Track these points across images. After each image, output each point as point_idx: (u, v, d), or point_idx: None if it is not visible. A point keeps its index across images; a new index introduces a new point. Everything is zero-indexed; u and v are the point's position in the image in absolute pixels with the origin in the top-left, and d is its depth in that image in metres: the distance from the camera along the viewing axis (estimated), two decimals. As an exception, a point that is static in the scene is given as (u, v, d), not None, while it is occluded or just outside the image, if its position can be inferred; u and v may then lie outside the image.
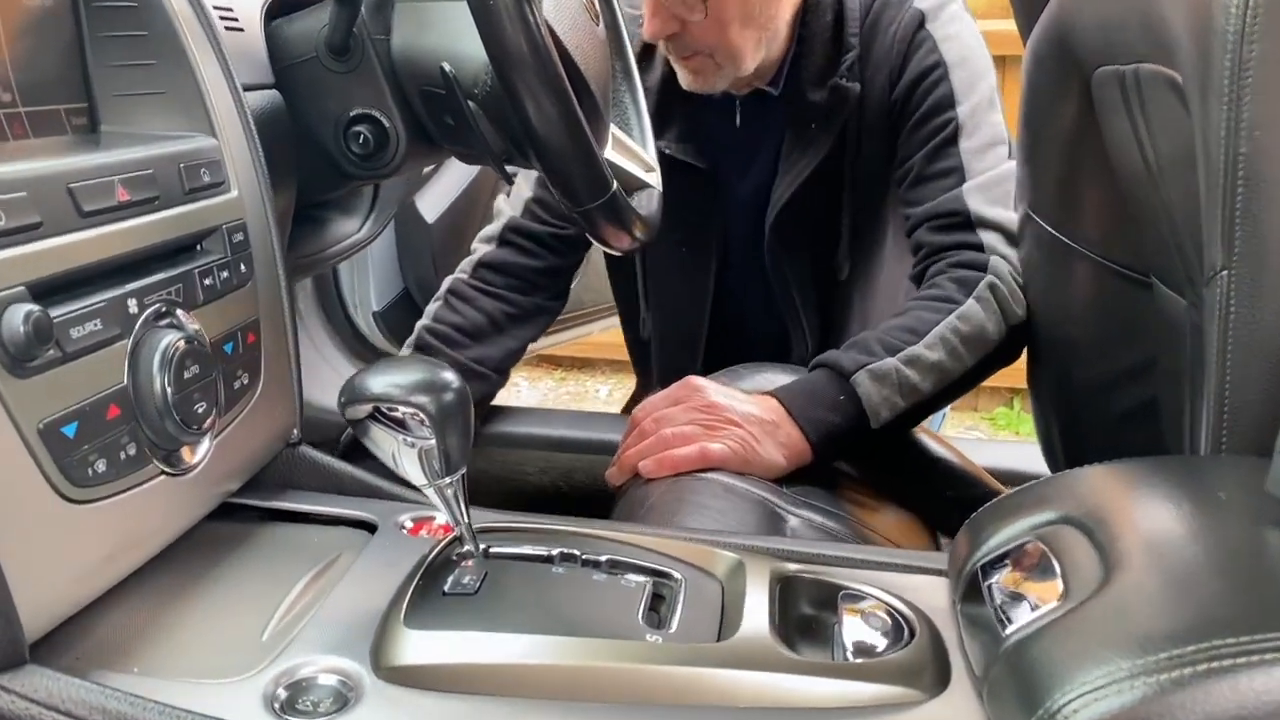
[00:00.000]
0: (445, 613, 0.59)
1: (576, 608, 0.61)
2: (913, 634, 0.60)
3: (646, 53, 1.36)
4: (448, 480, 0.61)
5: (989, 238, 1.18)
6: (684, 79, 1.29)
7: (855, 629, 0.60)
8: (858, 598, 0.64)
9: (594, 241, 0.87)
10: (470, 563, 0.64)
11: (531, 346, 1.42)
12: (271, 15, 0.88)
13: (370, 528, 0.74)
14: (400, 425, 0.59)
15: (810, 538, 0.95)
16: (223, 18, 0.80)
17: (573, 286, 1.45)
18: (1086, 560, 0.56)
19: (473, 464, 1.34)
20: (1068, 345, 1.16)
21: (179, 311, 0.62)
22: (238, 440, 0.69)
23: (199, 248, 0.66)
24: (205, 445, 0.64)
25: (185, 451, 0.62)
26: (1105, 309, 1.06)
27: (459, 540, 0.65)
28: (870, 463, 1.18)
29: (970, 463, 1.25)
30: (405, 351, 1.32)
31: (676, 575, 0.65)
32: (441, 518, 0.74)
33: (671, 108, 1.35)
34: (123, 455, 0.57)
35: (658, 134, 1.18)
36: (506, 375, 1.36)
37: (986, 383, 1.22)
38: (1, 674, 0.50)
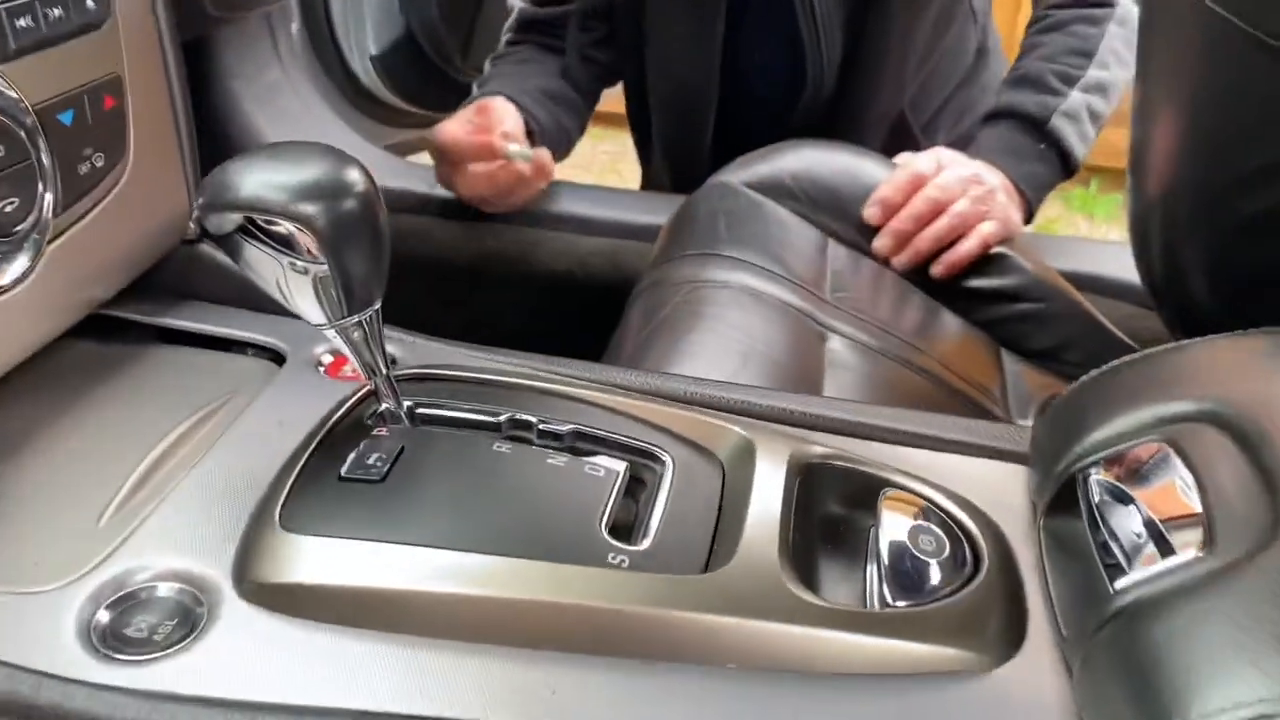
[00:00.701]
0: (338, 507, 0.44)
1: (516, 508, 0.45)
2: (978, 563, 0.44)
3: None
4: (353, 319, 0.45)
5: None
6: None
7: (899, 554, 0.44)
8: (906, 503, 0.47)
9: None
10: (385, 431, 0.48)
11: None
12: None
13: (278, 358, 0.58)
14: (284, 243, 0.42)
15: (851, 367, 0.78)
16: None
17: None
18: (1243, 488, 0.39)
19: (479, 241, 1.17)
20: (1188, 130, 0.95)
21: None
22: (98, 236, 0.52)
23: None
24: (21, 260, 0.46)
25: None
26: (1245, 92, 0.85)
27: (376, 395, 0.49)
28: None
29: (1046, 268, 1.06)
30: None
31: (663, 458, 0.48)
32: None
33: None
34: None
35: None
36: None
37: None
38: None
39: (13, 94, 0.45)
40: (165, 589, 0.41)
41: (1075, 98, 1.05)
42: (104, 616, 0.40)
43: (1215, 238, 0.96)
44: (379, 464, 0.45)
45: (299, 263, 0.42)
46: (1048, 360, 1.00)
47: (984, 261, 1.01)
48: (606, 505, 0.45)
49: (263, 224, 0.42)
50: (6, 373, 0.49)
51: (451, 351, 0.58)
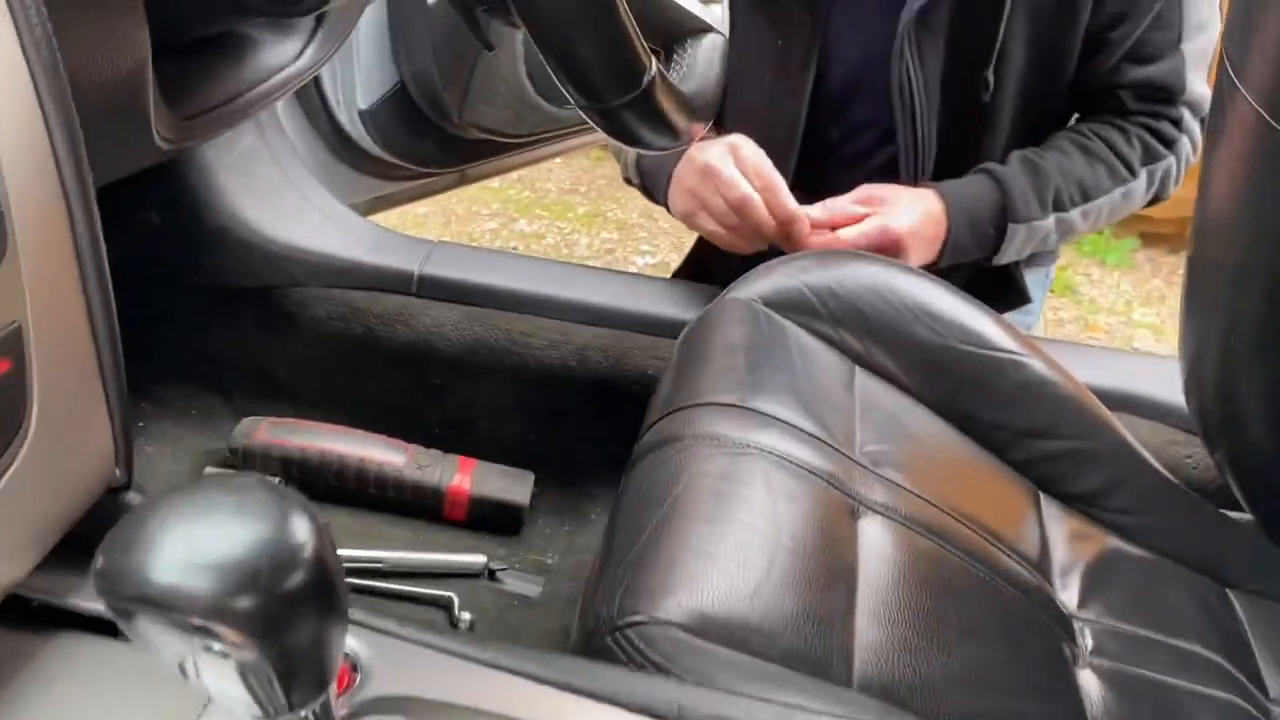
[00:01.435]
0: None
1: None
2: None
3: None
4: (297, 715, 0.35)
5: (1188, 115, 1.10)
6: None
7: None
8: None
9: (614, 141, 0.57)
10: None
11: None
12: None
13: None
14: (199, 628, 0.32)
15: (886, 555, 0.70)
16: None
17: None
18: None
19: (468, 328, 1.08)
20: (1254, 262, 0.86)
21: None
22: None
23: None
24: None
25: None
26: None
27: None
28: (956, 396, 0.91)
29: (1084, 395, 0.96)
30: None
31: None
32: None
33: None
34: None
35: None
36: None
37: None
38: None
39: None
40: None
41: (1047, 222, 1.10)
42: None
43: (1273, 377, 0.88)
44: None
45: (217, 645, 0.32)
46: (1089, 505, 0.92)
47: (1018, 391, 0.93)
48: None
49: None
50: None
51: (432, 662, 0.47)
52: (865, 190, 1.07)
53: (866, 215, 1.04)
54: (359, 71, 1.28)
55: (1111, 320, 2.43)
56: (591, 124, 0.53)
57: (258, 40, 0.72)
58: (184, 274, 1.13)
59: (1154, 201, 1.17)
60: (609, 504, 1.15)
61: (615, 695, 0.44)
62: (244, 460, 1.08)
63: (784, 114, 1.16)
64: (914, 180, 1.14)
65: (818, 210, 1.04)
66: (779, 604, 0.61)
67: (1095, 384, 1.06)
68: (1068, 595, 0.82)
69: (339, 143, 1.35)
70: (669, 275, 1.36)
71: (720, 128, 1.19)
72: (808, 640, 0.61)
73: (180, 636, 0.31)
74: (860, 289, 0.93)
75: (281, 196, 1.15)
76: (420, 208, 2.48)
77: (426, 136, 1.37)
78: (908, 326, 0.92)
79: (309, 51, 0.75)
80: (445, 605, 1.01)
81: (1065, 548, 0.86)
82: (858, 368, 0.90)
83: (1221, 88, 0.82)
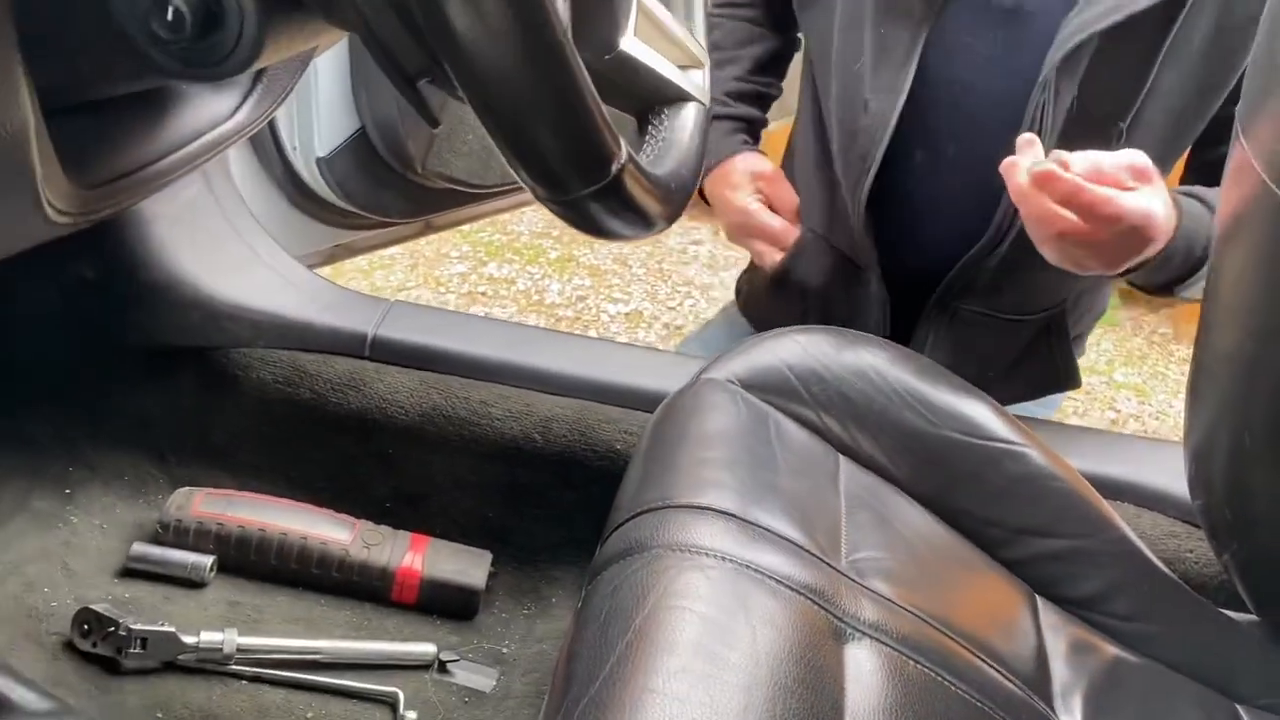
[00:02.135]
0: None
1: None
2: None
3: None
4: None
5: None
6: None
7: None
8: None
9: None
10: None
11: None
12: None
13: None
14: None
15: (875, 688, 0.62)
16: None
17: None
18: None
19: (424, 395, 1.00)
20: (1266, 357, 0.80)
21: None
22: None
23: None
24: None
25: None
26: None
27: None
28: (948, 490, 0.85)
29: (1083, 487, 0.90)
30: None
31: None
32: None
33: None
34: None
35: None
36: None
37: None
38: None
39: None
40: None
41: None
42: None
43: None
44: None
45: None
46: (1089, 610, 0.85)
47: (1014, 485, 0.86)
48: None
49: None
50: None
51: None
52: (1138, 159, 0.92)
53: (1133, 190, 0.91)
54: (317, 117, 1.21)
55: (1093, 380, 2.38)
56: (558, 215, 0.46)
57: (184, 96, 0.64)
58: (119, 332, 1.05)
59: None
60: (571, 587, 1.07)
61: None
62: (175, 536, 1.00)
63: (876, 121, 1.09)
64: (1004, 231, 1.08)
65: (1080, 163, 0.90)
66: (755, 753, 0.54)
67: (1093, 471, 1.00)
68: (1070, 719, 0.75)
69: (296, 191, 1.28)
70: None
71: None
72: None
73: None
74: (846, 371, 0.86)
75: (227, 251, 1.07)
76: (386, 249, 2.40)
77: (388, 186, 1.30)
78: (897, 413, 0.85)
79: (245, 108, 0.67)
80: (389, 702, 0.93)
81: (1065, 663, 0.79)
82: (843, 458, 0.83)
83: (1234, 164, 0.77)
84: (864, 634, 0.65)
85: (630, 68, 0.56)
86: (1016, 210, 1.00)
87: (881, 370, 0.87)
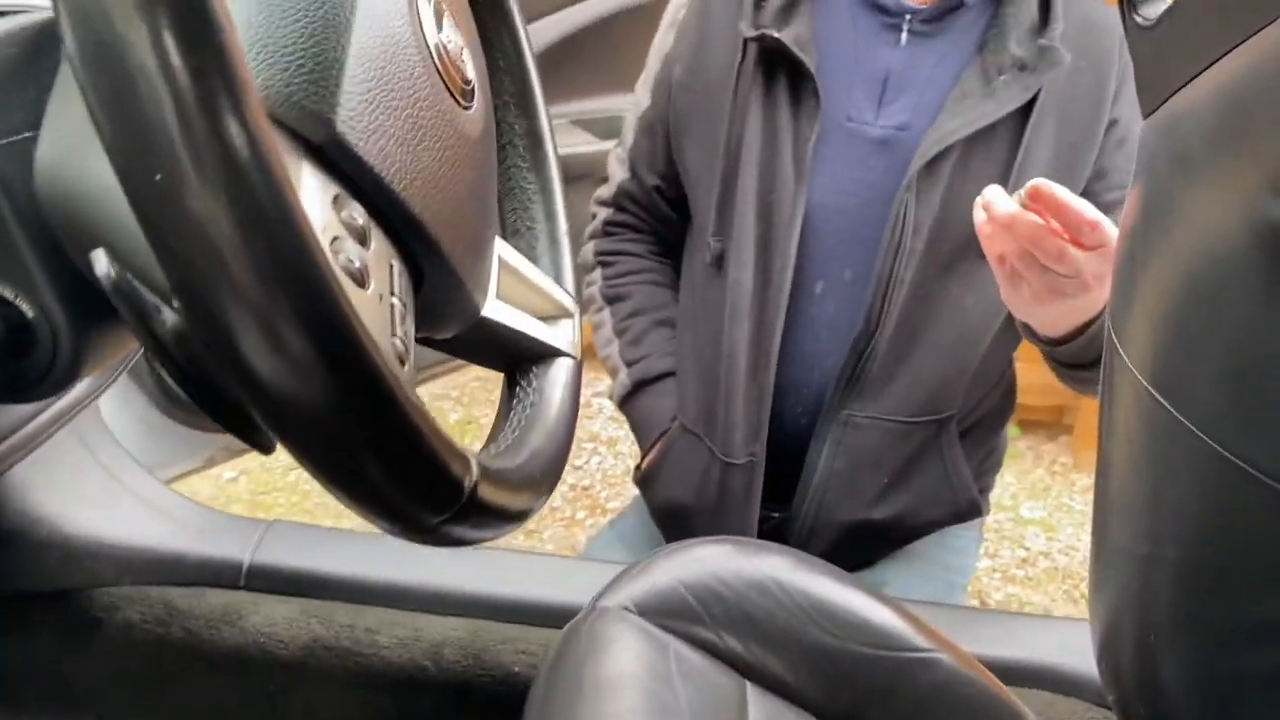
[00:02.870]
0: None
1: None
2: None
3: None
4: None
5: None
6: None
7: None
8: None
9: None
10: None
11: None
12: None
13: None
14: None
15: None
16: None
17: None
18: None
19: (305, 626, 0.93)
20: (1165, 554, 0.79)
21: None
22: None
23: None
24: None
25: None
26: (1245, 527, 0.70)
27: None
28: (861, 708, 0.81)
29: (995, 684, 0.86)
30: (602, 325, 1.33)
31: None
32: None
33: (811, 14, 1.15)
34: None
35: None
36: None
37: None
38: None
39: None
40: None
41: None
42: None
43: (1202, 651, 0.79)
44: None
45: None
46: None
47: (928, 698, 0.83)
48: None
49: None
50: None
51: None
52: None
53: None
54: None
55: (1000, 517, 2.38)
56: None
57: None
58: (-34, 581, 0.97)
59: None
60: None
61: None
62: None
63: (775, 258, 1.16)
64: (876, 322, 1.14)
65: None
66: None
67: (1007, 658, 0.97)
68: None
69: (167, 400, 1.22)
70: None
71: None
72: None
73: None
74: (747, 586, 0.83)
75: (87, 482, 1.00)
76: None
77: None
78: (801, 628, 0.82)
79: (53, 409, 0.62)
80: None
81: None
82: (750, 685, 0.79)
83: (1109, 364, 0.76)
84: None
85: (494, 331, 0.53)
86: (887, 294, 1.11)
87: (784, 582, 0.83)
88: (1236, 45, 0.63)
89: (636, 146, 1.30)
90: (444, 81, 0.45)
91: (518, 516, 0.46)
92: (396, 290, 0.40)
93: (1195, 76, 0.67)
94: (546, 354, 0.57)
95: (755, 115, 1.15)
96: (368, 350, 0.32)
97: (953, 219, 1.11)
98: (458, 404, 2.80)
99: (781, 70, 1.14)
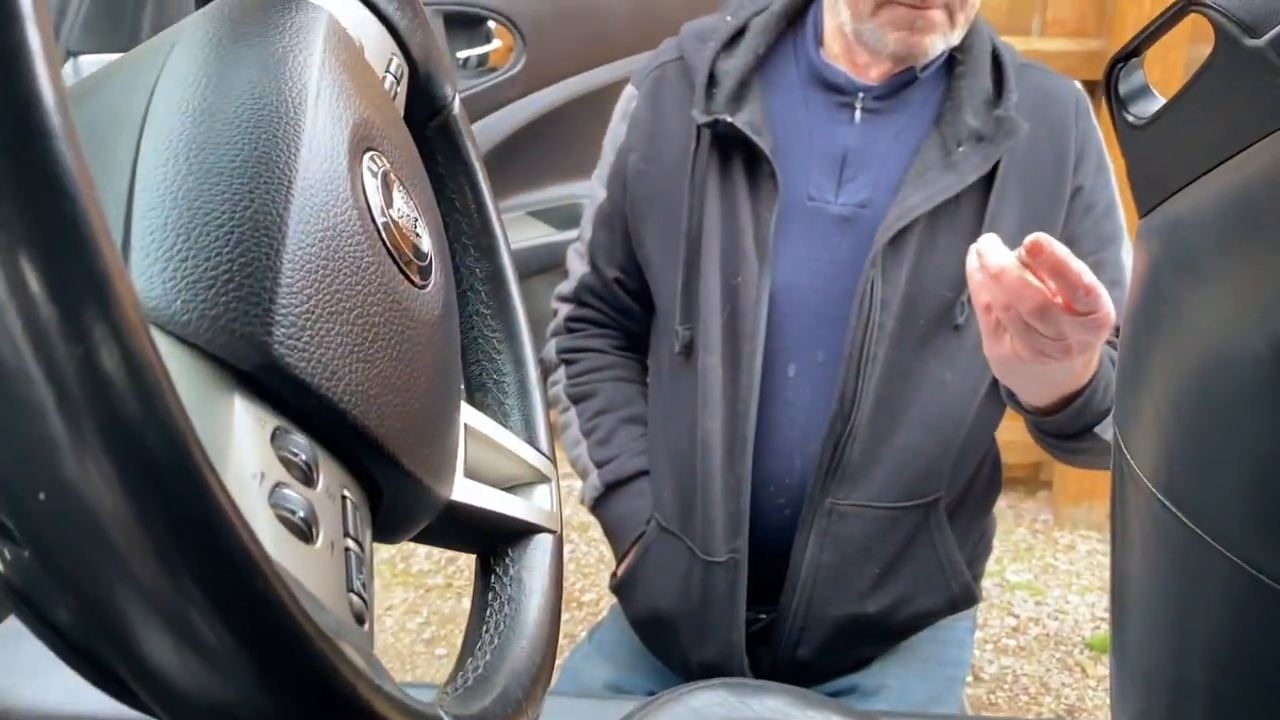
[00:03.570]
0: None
1: None
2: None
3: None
4: None
5: None
6: (900, 42, 1.09)
7: None
8: None
9: None
10: None
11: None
12: None
13: None
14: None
15: None
16: None
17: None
18: None
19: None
20: (1195, 676, 0.74)
21: None
22: None
23: None
24: None
25: None
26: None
27: None
28: None
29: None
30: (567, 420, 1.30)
31: None
32: None
33: (763, 97, 1.15)
34: None
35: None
36: None
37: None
38: None
39: None
40: None
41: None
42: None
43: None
44: None
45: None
46: None
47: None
48: None
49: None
50: None
51: None
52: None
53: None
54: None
55: (987, 583, 2.33)
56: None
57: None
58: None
59: None
60: None
61: None
62: None
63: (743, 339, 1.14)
64: (853, 403, 1.11)
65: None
66: None
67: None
68: None
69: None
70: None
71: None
72: None
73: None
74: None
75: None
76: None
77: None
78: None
79: None
80: None
81: None
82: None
83: (1119, 475, 0.72)
84: None
85: (464, 513, 0.48)
86: (861, 374, 1.09)
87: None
88: (1244, 149, 0.59)
89: (595, 240, 1.27)
90: (397, 263, 0.40)
91: None
92: (352, 528, 0.34)
93: (1197, 178, 0.64)
94: (523, 531, 0.52)
95: (714, 200, 1.13)
96: (308, 637, 0.26)
97: (922, 294, 1.10)
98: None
99: (737, 154, 1.13)
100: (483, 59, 1.95)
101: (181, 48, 0.39)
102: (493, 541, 0.52)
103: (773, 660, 1.19)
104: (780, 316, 1.13)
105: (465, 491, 0.48)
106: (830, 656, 1.19)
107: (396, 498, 0.40)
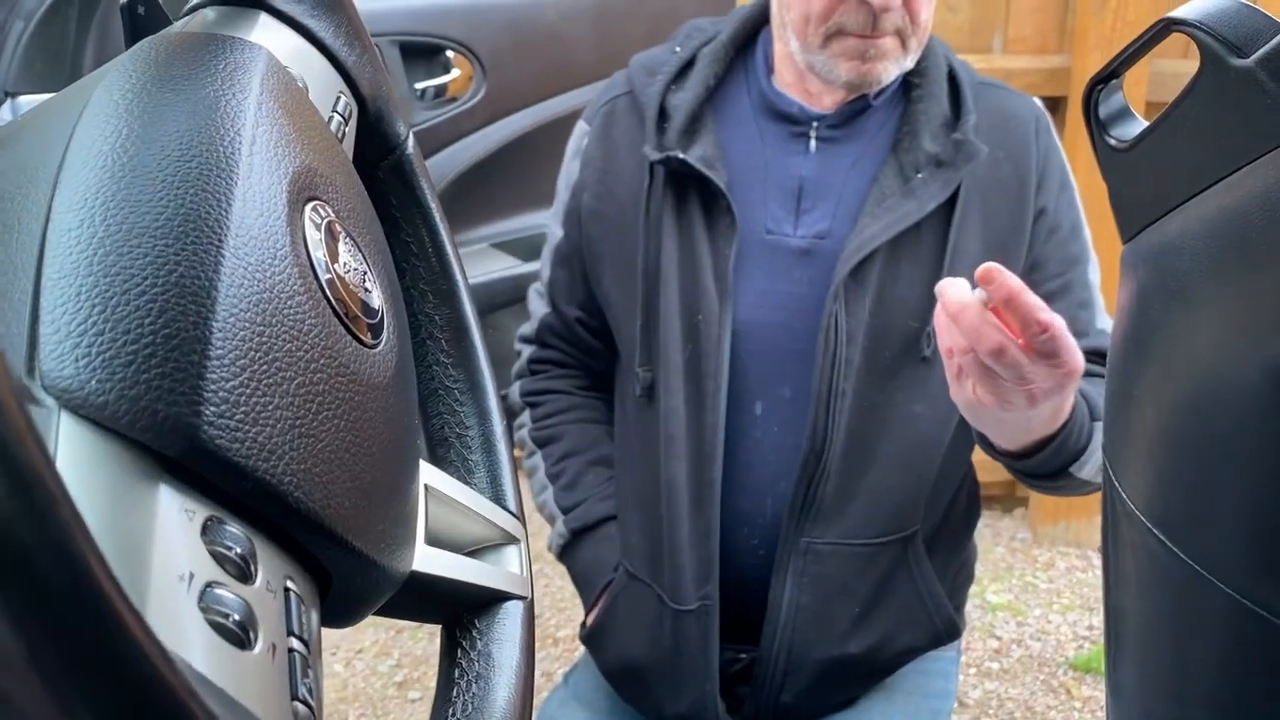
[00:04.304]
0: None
1: None
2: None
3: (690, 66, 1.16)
4: None
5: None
6: (852, 71, 1.06)
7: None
8: None
9: None
10: None
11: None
12: None
13: None
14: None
15: None
16: None
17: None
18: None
19: None
20: (1191, 714, 0.71)
21: None
22: None
23: None
24: None
25: None
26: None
27: None
28: None
29: None
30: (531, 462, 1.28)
31: None
32: None
33: (715, 130, 1.13)
34: None
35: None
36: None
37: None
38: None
39: None
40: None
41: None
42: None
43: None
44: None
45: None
46: None
47: None
48: None
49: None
50: None
51: None
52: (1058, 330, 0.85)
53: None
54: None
55: (967, 606, 2.31)
56: None
57: None
58: None
59: None
60: None
61: None
62: None
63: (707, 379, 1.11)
64: (824, 439, 1.08)
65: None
66: None
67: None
68: None
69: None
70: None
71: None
72: None
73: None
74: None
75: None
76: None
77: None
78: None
79: None
80: None
81: None
82: None
83: (1108, 500, 0.70)
84: None
85: (426, 584, 0.44)
86: (830, 409, 1.07)
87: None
88: (1234, 171, 0.57)
89: (554, 279, 1.25)
90: (343, 322, 0.37)
91: None
92: (296, 625, 0.31)
93: (1185, 202, 0.62)
94: (490, 599, 0.48)
95: (671, 237, 1.10)
96: None
97: (887, 326, 1.08)
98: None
99: (692, 189, 1.10)
100: (441, 89, 1.92)
101: (101, 94, 0.36)
102: (458, 612, 0.48)
103: (756, 705, 1.15)
104: (743, 353, 1.10)
105: (427, 560, 0.44)
106: (814, 700, 1.16)
107: (348, 581, 0.36)
